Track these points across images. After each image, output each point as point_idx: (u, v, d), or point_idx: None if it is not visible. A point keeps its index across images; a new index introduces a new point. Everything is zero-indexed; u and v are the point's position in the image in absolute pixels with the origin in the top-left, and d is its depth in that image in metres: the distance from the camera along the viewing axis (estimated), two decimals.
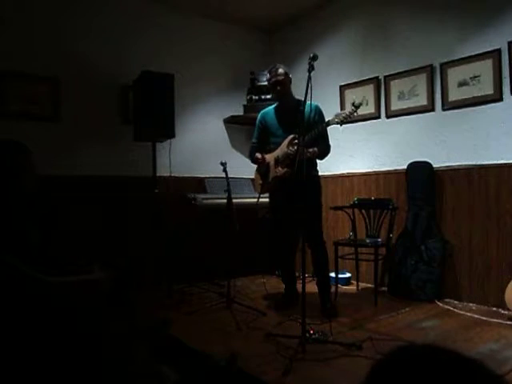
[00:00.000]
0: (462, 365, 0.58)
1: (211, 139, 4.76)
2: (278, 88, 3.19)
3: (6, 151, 1.93)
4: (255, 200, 4.41)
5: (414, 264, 3.60)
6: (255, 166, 3.34)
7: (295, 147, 2.98)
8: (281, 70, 3.19)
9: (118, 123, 4.16)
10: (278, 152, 3.21)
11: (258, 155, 3.35)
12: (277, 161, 3.22)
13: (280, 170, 3.18)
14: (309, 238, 3.20)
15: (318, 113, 3.21)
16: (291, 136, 3.12)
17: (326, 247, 3.27)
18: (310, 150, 3.05)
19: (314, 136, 2.95)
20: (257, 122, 3.43)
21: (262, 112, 3.44)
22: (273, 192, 3.37)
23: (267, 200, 3.49)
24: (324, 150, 3.19)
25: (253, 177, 4.88)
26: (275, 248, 3.56)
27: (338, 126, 2.96)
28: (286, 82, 3.19)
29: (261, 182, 3.38)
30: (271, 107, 3.40)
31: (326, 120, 3.01)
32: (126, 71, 4.06)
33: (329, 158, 3.29)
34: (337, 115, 2.94)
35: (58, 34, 3.85)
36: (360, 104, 2.90)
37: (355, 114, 2.91)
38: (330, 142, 3.26)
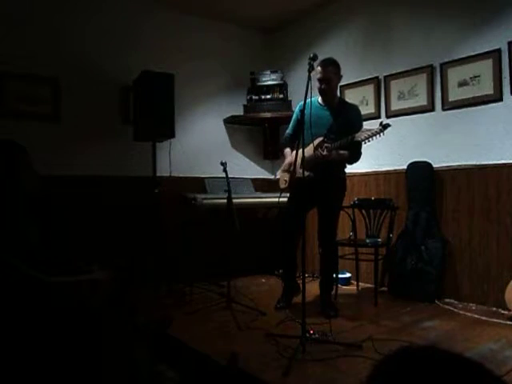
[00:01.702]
0: (462, 366, 0.58)
1: (211, 139, 4.76)
2: (322, 86, 3.08)
3: (3, 151, 1.93)
4: (255, 200, 4.44)
5: (414, 264, 3.60)
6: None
7: (320, 150, 2.93)
8: (318, 69, 3.05)
9: (118, 123, 4.16)
10: (305, 152, 3.15)
11: (288, 156, 3.31)
12: (302, 161, 3.16)
13: (300, 172, 3.11)
14: (322, 237, 3.20)
15: (358, 116, 3.18)
16: (320, 138, 3.03)
17: (337, 249, 3.26)
18: (341, 152, 3.02)
19: (342, 144, 2.94)
20: (294, 113, 3.39)
21: (300, 104, 3.29)
22: (294, 190, 3.30)
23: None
24: (354, 156, 3.13)
25: (253, 177, 4.92)
26: (278, 243, 3.48)
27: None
28: (330, 81, 3.08)
29: (285, 179, 3.32)
30: (313, 99, 3.14)
31: (351, 136, 2.91)
32: (125, 71, 4.06)
33: None
34: (362, 132, 2.86)
35: (58, 33, 3.85)
36: (388, 125, 2.78)
37: (382, 134, 2.79)
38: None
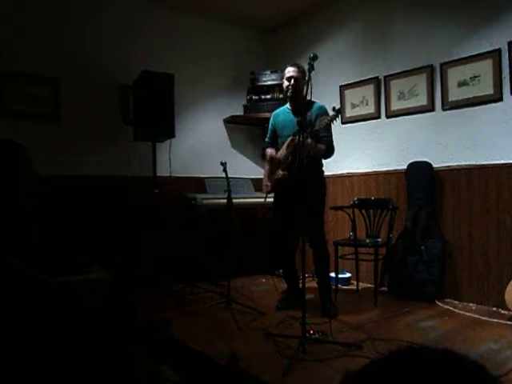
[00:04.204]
0: (458, 365, 0.57)
1: (211, 139, 4.76)
2: (291, 82, 3.17)
3: (3, 150, 1.92)
4: (255, 200, 4.45)
5: (414, 264, 3.60)
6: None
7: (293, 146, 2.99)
8: (289, 69, 3.18)
9: (118, 123, 4.16)
10: (279, 154, 3.23)
11: (268, 151, 3.36)
12: (279, 163, 3.23)
13: (280, 173, 3.19)
14: (310, 237, 3.21)
15: (322, 113, 3.19)
16: (290, 138, 3.12)
17: (328, 247, 3.28)
18: (319, 144, 3.05)
19: (311, 134, 2.96)
20: (270, 123, 3.47)
21: (274, 112, 3.47)
22: (276, 193, 3.37)
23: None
24: (328, 148, 3.15)
25: (253, 177, 4.92)
26: (273, 248, 3.55)
27: (337, 125, 2.97)
28: (296, 78, 3.15)
29: (268, 183, 3.36)
30: (283, 107, 3.39)
31: (313, 127, 2.98)
32: (125, 71, 4.05)
33: None
34: (320, 120, 2.94)
35: (58, 33, 3.84)
36: (339, 109, 2.87)
37: (337, 119, 2.88)
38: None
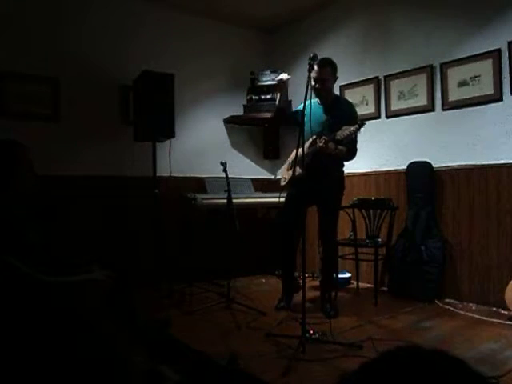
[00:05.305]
0: (446, 365, 0.57)
1: (211, 139, 4.76)
2: (316, 85, 3.10)
3: (3, 150, 1.93)
4: (255, 200, 4.45)
5: (414, 264, 3.60)
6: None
7: (318, 141, 2.97)
8: (316, 69, 3.08)
9: (118, 123, 4.16)
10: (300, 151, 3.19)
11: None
12: (297, 160, 3.21)
13: (297, 171, 3.17)
14: (322, 236, 3.21)
15: (349, 111, 3.19)
16: (313, 137, 3.07)
17: (337, 248, 3.27)
18: (340, 147, 3.03)
19: (330, 140, 2.96)
20: (297, 107, 3.43)
21: (303, 100, 3.42)
22: (291, 189, 3.34)
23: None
24: (351, 152, 3.15)
25: (253, 177, 4.92)
26: (277, 243, 3.51)
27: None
28: (325, 81, 3.11)
29: (285, 176, 3.35)
30: (314, 100, 3.25)
31: (333, 134, 2.96)
32: (125, 71, 4.05)
33: None
34: (342, 130, 2.91)
35: (58, 33, 3.84)
36: (364, 123, 2.85)
37: (359, 132, 2.87)
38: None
